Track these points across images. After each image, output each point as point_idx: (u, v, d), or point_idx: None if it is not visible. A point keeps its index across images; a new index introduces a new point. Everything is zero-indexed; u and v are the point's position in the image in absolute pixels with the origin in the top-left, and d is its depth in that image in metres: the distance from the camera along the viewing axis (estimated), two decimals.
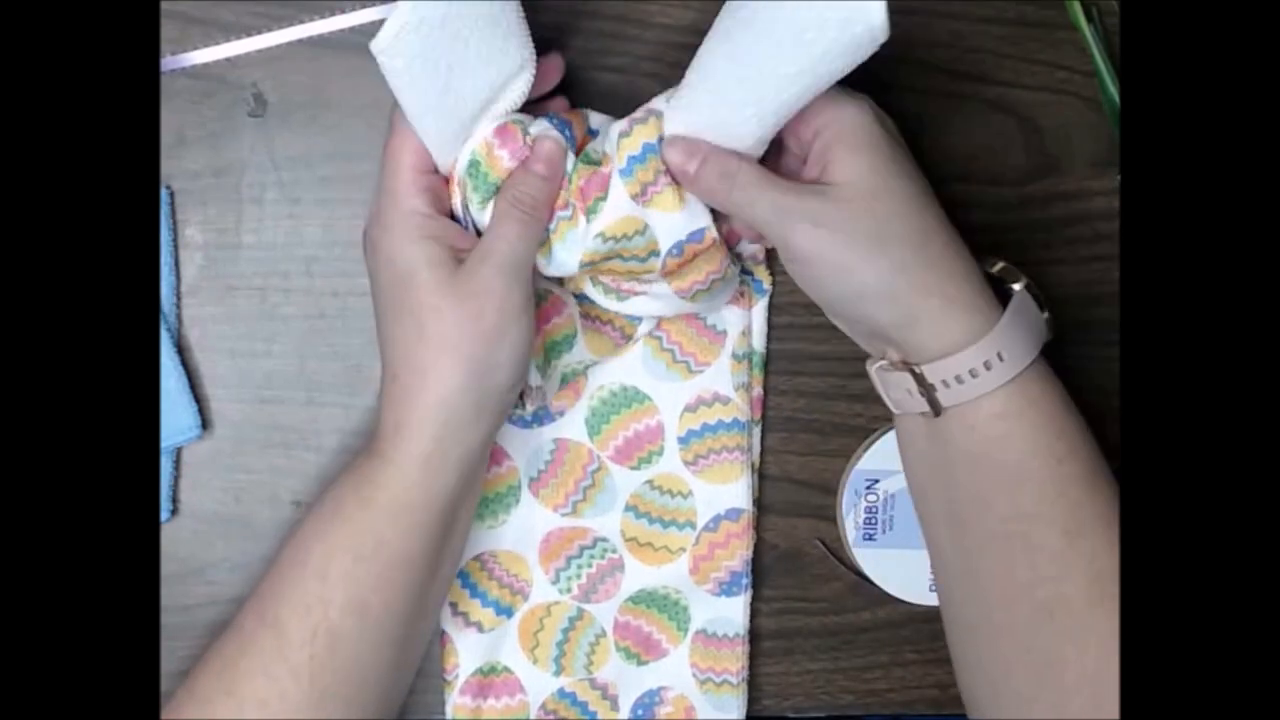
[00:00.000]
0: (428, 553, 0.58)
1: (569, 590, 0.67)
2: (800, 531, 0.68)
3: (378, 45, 0.53)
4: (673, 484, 0.67)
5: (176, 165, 0.65)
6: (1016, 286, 0.59)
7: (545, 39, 0.65)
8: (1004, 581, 0.57)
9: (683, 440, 0.66)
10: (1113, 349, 0.68)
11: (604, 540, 0.67)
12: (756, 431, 0.67)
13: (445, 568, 0.61)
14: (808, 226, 0.56)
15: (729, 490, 0.66)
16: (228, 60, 0.65)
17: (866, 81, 0.66)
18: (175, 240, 0.65)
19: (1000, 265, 0.61)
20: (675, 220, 0.58)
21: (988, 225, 0.67)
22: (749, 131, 0.56)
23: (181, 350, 0.65)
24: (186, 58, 0.65)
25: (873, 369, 0.61)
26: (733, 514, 0.67)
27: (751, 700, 0.68)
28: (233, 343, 0.66)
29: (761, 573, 0.68)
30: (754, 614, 0.68)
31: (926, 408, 0.58)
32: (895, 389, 0.59)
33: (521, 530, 0.66)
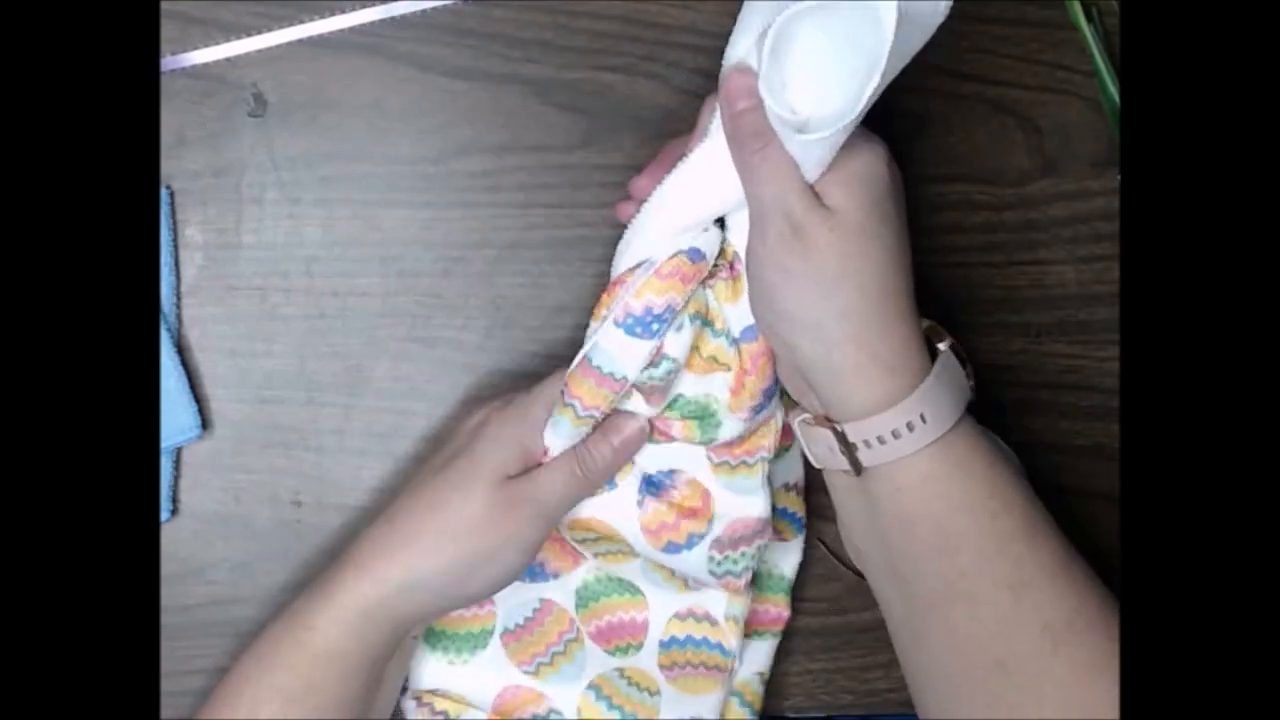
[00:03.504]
0: (354, 701, 0.59)
1: None
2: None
3: None
4: (643, 679, 0.65)
5: (176, 165, 0.65)
6: (942, 346, 0.58)
7: (543, 40, 0.66)
8: (954, 638, 0.57)
9: (664, 645, 0.65)
10: (1113, 349, 0.68)
11: (558, 714, 0.64)
12: (736, 665, 0.65)
13: (374, 716, 0.61)
14: (787, 230, 0.55)
15: (699, 701, 0.65)
16: (228, 60, 0.65)
17: None
18: (175, 240, 0.65)
19: (928, 324, 0.59)
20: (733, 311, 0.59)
21: (988, 225, 0.67)
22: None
23: (181, 350, 0.65)
24: (186, 58, 0.65)
25: (795, 421, 0.60)
26: None
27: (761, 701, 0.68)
28: (233, 343, 0.66)
29: None
30: None
31: (848, 466, 0.57)
32: (817, 444, 0.59)
33: (480, 678, 0.65)
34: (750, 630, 0.66)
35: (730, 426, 0.60)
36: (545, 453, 0.60)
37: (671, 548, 0.62)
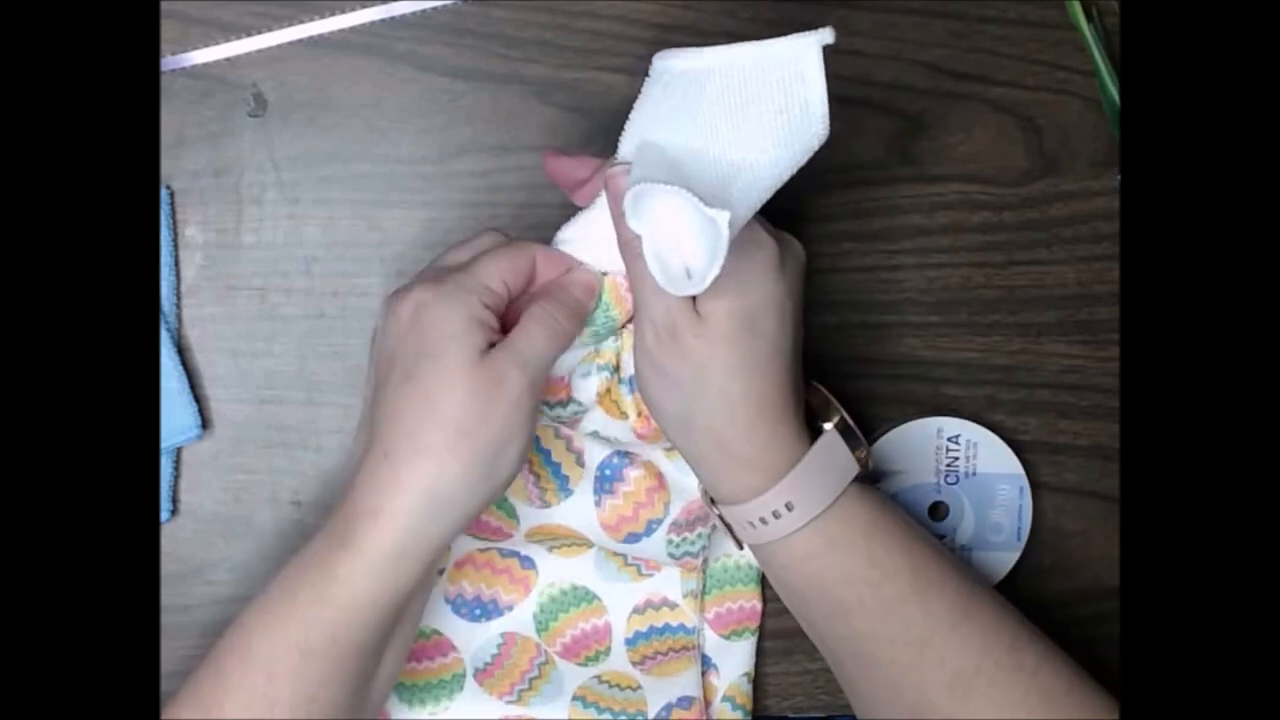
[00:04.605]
0: (380, 643, 0.56)
1: None
2: None
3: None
4: (621, 679, 0.66)
5: (176, 165, 0.65)
6: (827, 427, 0.59)
7: (543, 40, 0.66)
8: (872, 688, 0.60)
9: (630, 642, 0.66)
10: (1113, 349, 0.68)
11: None
12: (705, 632, 0.66)
13: (395, 652, 0.58)
14: (662, 330, 0.56)
15: (678, 680, 0.65)
16: (228, 60, 0.65)
17: (867, 82, 0.67)
18: (175, 240, 0.65)
19: (821, 397, 0.61)
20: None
21: (988, 225, 0.67)
22: None
23: (181, 350, 0.65)
24: (186, 58, 0.65)
25: (699, 489, 0.62)
26: (684, 702, 0.65)
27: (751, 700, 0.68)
28: (233, 343, 0.66)
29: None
30: None
31: (735, 541, 0.60)
32: (715, 519, 0.61)
33: (466, 717, 0.65)
34: (728, 631, 0.67)
35: (655, 447, 0.63)
36: (508, 303, 0.58)
37: (631, 538, 0.63)
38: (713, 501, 0.60)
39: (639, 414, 0.61)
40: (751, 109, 0.54)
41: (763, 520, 0.57)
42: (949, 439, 0.67)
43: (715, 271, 0.51)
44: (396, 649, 0.58)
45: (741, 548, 0.60)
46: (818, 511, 0.57)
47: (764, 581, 0.67)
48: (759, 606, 0.67)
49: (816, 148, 0.54)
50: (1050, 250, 0.68)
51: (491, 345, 0.56)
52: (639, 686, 0.66)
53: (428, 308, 0.55)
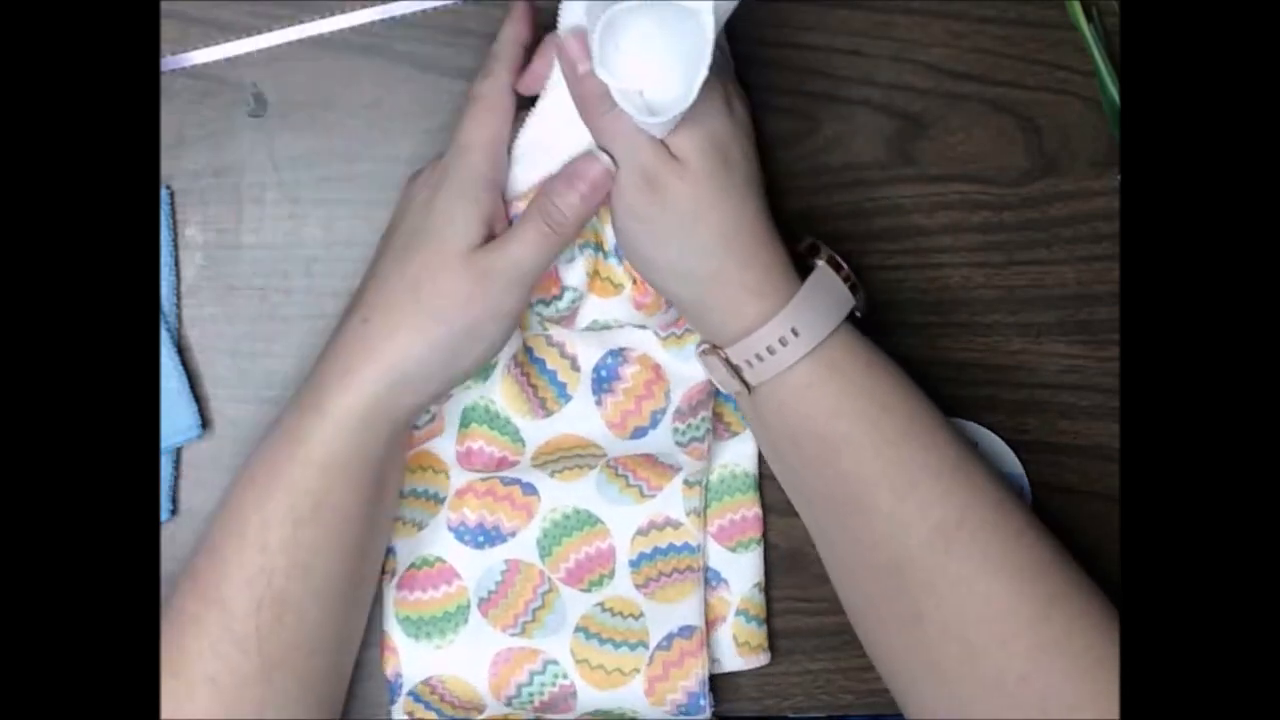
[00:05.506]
0: (364, 510, 0.59)
1: (524, 710, 0.66)
2: (800, 531, 0.67)
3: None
4: (624, 606, 0.66)
5: (176, 165, 0.65)
6: (819, 261, 0.60)
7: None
8: (851, 545, 0.59)
9: (634, 563, 0.66)
10: (1113, 349, 0.68)
11: (554, 663, 0.65)
12: (709, 547, 0.67)
13: (382, 526, 0.62)
14: (642, 183, 0.57)
15: (680, 608, 0.65)
16: (228, 60, 0.65)
17: (867, 82, 0.67)
18: (175, 240, 0.65)
19: (808, 241, 0.62)
20: None
21: (988, 225, 0.67)
22: None
23: (181, 350, 0.65)
24: (186, 58, 0.65)
25: (697, 352, 0.62)
26: (685, 631, 0.65)
27: (751, 700, 0.68)
28: (233, 343, 0.66)
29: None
30: None
31: (740, 387, 0.59)
32: (715, 371, 0.61)
33: (470, 652, 0.65)
34: (733, 543, 0.67)
35: (657, 320, 0.64)
36: (508, 207, 0.60)
37: (638, 432, 0.65)
38: (716, 349, 0.59)
39: (634, 281, 0.61)
40: None
41: (769, 350, 0.57)
42: None
43: (704, 73, 0.52)
44: (383, 524, 0.62)
45: (750, 391, 0.59)
46: (822, 337, 0.58)
47: (762, 489, 0.67)
48: (759, 514, 0.67)
49: None
50: (1050, 250, 0.68)
51: (491, 236, 0.58)
52: (641, 615, 0.66)
53: (435, 201, 0.58)
